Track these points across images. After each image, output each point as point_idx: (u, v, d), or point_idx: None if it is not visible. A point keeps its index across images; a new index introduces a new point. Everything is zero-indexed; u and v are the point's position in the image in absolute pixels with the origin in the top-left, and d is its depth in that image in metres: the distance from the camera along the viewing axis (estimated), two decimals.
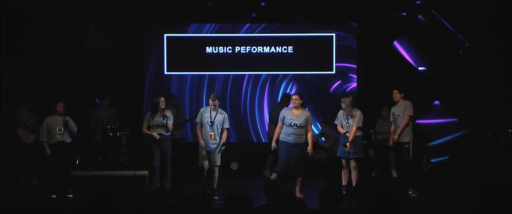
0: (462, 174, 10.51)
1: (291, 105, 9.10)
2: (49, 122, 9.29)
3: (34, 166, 10.30)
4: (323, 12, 11.83)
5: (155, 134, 9.21)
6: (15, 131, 10.38)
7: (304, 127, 8.90)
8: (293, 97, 9.01)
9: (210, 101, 9.07)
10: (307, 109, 9.19)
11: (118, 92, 11.89)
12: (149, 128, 9.31)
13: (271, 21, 12.14)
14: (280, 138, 9.02)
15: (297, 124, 8.86)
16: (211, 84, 12.21)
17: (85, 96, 11.88)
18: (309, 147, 8.91)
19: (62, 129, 9.27)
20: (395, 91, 9.34)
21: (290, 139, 8.89)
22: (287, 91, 11.80)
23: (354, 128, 9.16)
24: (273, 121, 10.94)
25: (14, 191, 9.39)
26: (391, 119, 9.53)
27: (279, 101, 11.44)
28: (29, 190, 9.77)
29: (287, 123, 8.91)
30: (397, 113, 9.33)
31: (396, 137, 9.25)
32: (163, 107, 9.26)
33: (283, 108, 10.94)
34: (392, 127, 9.50)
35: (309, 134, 8.96)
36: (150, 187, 9.44)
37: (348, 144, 9.12)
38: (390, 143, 9.51)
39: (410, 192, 9.16)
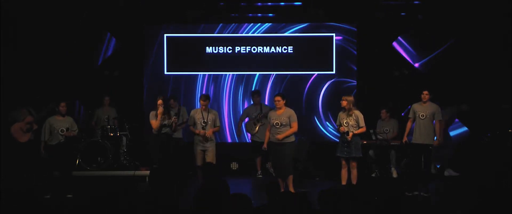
0: (463, 174, 10.52)
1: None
2: (52, 123, 9.26)
3: (28, 165, 10.25)
4: (323, 12, 11.85)
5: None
6: (8, 130, 10.30)
7: (287, 125, 8.93)
8: (275, 98, 9.05)
9: (202, 102, 9.44)
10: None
11: (118, 92, 11.89)
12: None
13: (272, 21, 12.16)
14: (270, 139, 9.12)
15: (278, 123, 8.92)
16: (211, 84, 12.20)
17: (86, 96, 11.88)
18: (280, 136, 8.85)
19: (65, 129, 9.24)
20: (425, 92, 9.26)
21: (275, 139, 8.96)
22: (277, 91, 11.80)
23: (360, 130, 9.17)
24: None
25: (13, 191, 9.37)
26: (410, 115, 9.37)
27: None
28: (26, 190, 9.73)
29: (271, 124, 9.02)
30: (422, 114, 9.21)
31: (438, 141, 9.21)
32: (162, 109, 9.30)
33: (254, 106, 11.16)
34: (409, 124, 9.41)
35: (290, 130, 8.91)
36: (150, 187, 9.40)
37: (350, 134, 9.06)
38: (405, 138, 9.46)
39: (422, 193, 9.16)
